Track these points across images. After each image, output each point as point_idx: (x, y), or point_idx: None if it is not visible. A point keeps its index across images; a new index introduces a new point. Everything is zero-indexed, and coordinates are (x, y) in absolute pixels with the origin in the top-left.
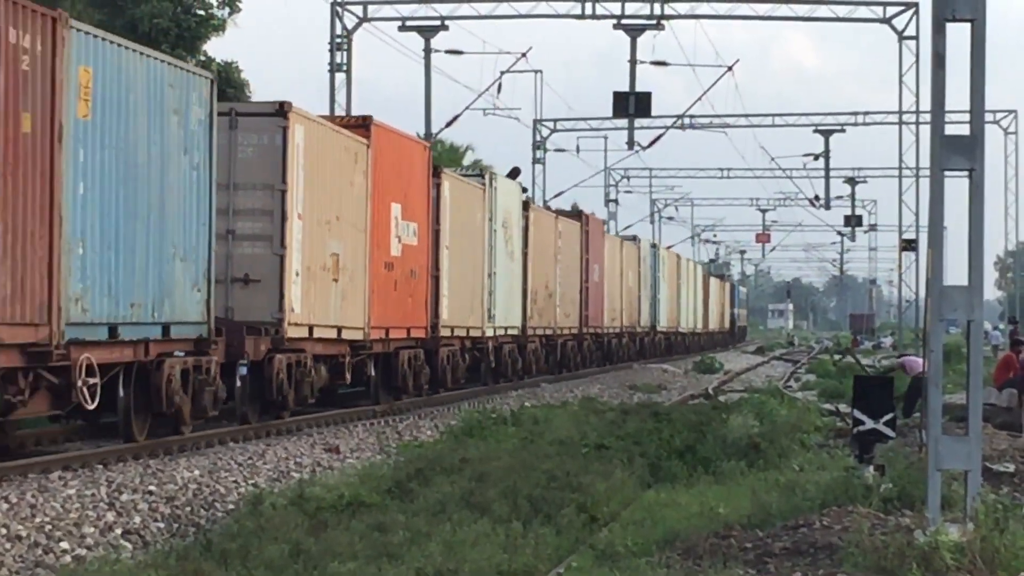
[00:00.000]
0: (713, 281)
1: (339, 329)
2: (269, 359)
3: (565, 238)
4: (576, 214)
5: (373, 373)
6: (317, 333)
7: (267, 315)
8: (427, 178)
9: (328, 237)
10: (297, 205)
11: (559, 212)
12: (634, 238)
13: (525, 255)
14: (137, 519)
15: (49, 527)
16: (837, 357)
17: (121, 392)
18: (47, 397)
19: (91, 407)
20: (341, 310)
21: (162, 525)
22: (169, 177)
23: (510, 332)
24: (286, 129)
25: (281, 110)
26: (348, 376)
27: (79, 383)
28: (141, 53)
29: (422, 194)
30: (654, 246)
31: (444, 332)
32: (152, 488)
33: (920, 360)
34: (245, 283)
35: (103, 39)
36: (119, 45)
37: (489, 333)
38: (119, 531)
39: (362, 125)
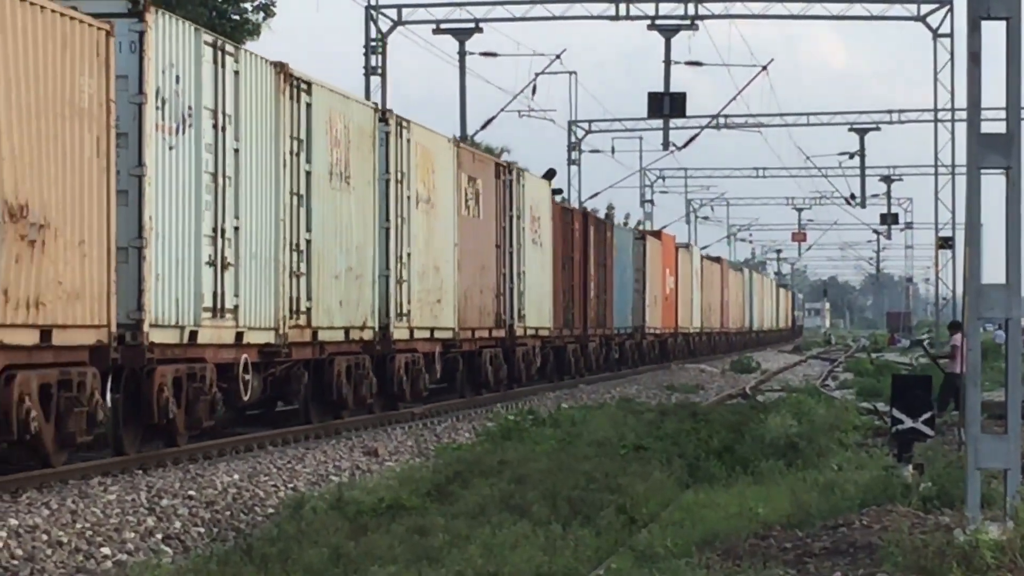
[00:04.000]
0: (782, 291)
1: (656, 328)
2: (641, 340)
3: (716, 275)
4: (716, 259)
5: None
6: (652, 329)
7: (641, 322)
8: (675, 255)
9: (653, 285)
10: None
11: (710, 258)
12: (740, 269)
13: (701, 287)
14: (177, 524)
15: (90, 533)
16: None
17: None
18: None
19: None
20: (656, 319)
21: (202, 530)
22: (627, 272)
23: (695, 330)
24: (645, 243)
25: (642, 235)
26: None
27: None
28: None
29: (673, 263)
30: (751, 271)
31: (680, 329)
32: (192, 493)
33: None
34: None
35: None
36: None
37: (690, 330)
38: (159, 536)
39: (655, 234)
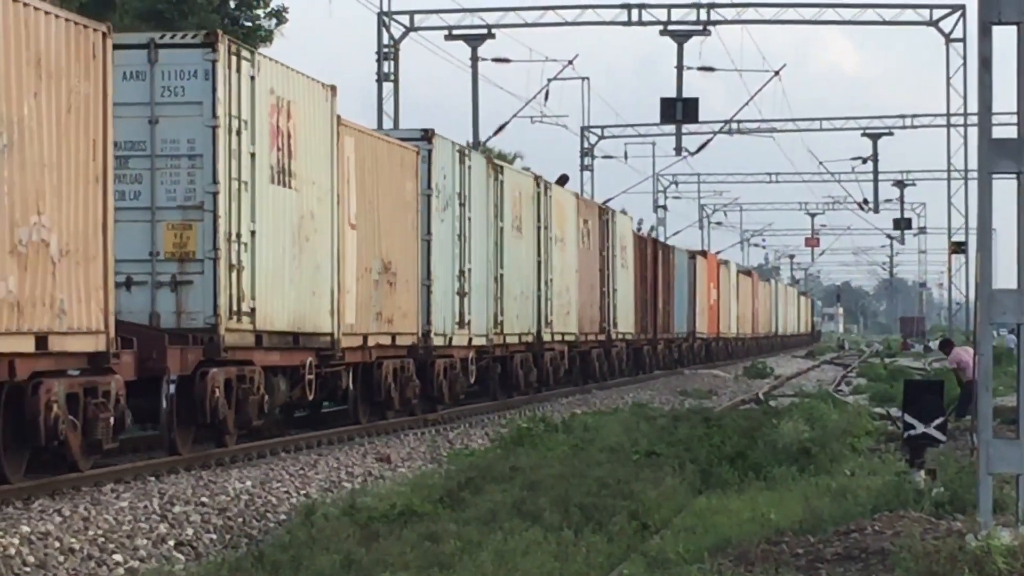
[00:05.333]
0: (802, 299)
1: (703, 333)
2: (693, 343)
3: (749, 286)
4: (748, 272)
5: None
6: (700, 334)
7: (692, 328)
8: (717, 270)
9: (701, 297)
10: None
11: (743, 271)
12: (768, 279)
13: (737, 297)
14: (190, 530)
15: (102, 540)
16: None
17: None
18: None
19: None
20: (704, 326)
21: (214, 536)
22: (683, 287)
23: (733, 335)
24: (695, 262)
25: (694, 255)
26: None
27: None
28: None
29: (716, 278)
30: (776, 282)
31: (721, 334)
32: (204, 499)
33: (970, 353)
34: None
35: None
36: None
37: (729, 335)
38: (172, 543)
39: (703, 253)
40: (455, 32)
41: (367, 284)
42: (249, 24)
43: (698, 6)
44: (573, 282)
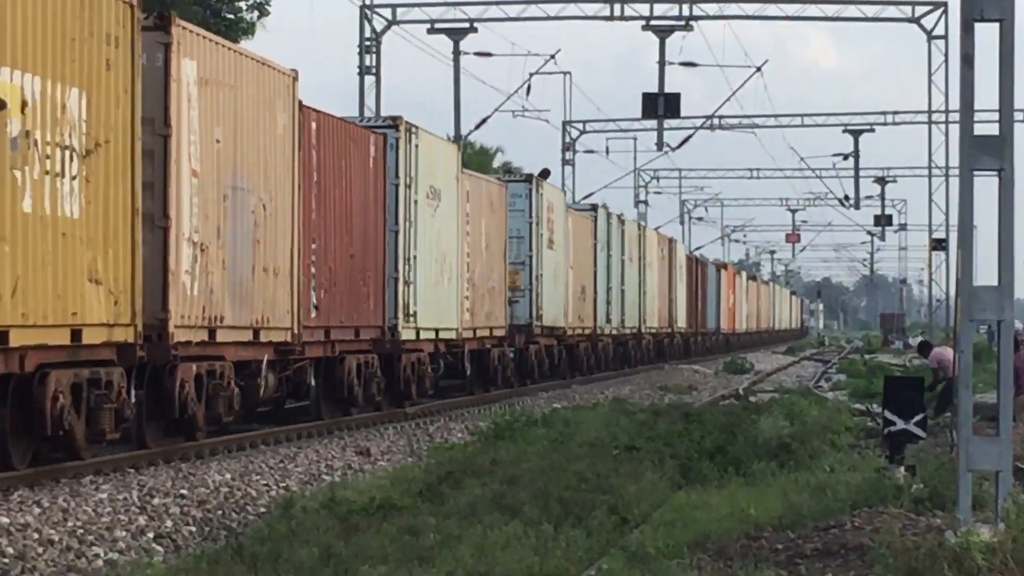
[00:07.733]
0: (793, 298)
1: (724, 329)
2: (718, 336)
3: (754, 290)
4: (753, 277)
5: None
6: (723, 330)
7: (717, 324)
8: (733, 278)
9: (723, 300)
10: (720, 292)
11: (751, 277)
12: (767, 282)
13: (746, 299)
14: (169, 523)
15: (81, 531)
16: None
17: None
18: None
19: (708, 346)
20: (725, 322)
21: (193, 529)
22: (712, 292)
23: (743, 330)
24: (720, 273)
25: (719, 268)
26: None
27: None
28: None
29: (733, 284)
30: (774, 283)
31: (736, 329)
32: (184, 492)
33: (950, 352)
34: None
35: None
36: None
37: (741, 330)
38: (151, 535)
39: (724, 266)
40: (437, 26)
41: (576, 299)
42: (231, 16)
43: (680, 1)
44: (656, 292)
